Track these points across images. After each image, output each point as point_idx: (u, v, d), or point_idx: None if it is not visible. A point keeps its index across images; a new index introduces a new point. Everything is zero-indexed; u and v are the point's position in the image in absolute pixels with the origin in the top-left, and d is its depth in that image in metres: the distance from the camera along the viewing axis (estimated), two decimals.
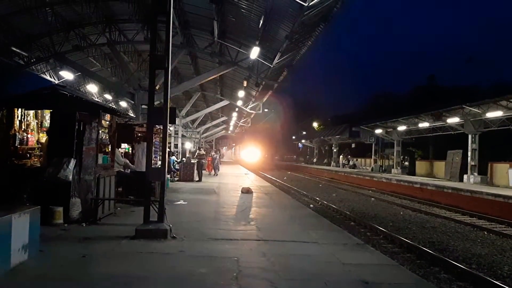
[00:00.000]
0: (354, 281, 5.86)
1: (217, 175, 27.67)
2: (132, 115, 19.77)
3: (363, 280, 5.87)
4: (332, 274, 6.17)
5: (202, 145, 48.63)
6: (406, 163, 38.39)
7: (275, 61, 18.54)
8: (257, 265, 6.48)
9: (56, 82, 24.13)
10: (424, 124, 31.14)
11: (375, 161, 42.81)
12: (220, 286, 5.47)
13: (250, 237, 8.65)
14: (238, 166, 49.74)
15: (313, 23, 14.86)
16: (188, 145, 42.92)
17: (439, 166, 32.77)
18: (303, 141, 74.32)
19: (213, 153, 33.10)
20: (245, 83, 23.68)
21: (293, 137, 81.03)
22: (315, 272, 6.21)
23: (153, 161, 9.94)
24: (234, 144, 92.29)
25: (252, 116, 40.83)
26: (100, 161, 10.14)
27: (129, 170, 13.08)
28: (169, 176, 18.70)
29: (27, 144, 10.92)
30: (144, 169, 12.19)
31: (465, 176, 26.69)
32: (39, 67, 23.10)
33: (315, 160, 65.94)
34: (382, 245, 12.27)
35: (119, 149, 13.43)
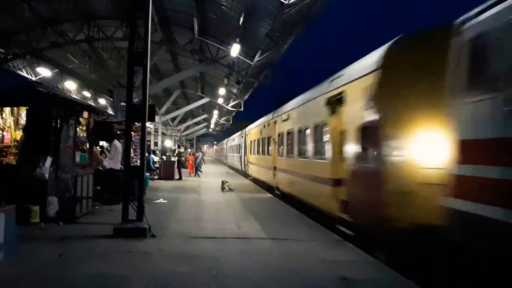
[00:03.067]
0: (333, 277, 5.91)
1: (199, 176, 26.65)
2: (111, 112, 19.57)
3: (342, 276, 5.92)
4: (311, 270, 6.20)
5: (182, 143, 48.30)
6: None
7: (256, 58, 18.56)
8: (237, 263, 6.48)
9: (33, 79, 23.71)
10: None
11: None
12: (199, 285, 5.43)
13: (230, 235, 8.64)
14: None
15: (294, 21, 14.92)
16: (169, 143, 42.50)
17: None
18: None
19: (194, 151, 31.78)
20: (225, 81, 23.63)
21: None
22: (294, 269, 6.24)
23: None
24: (215, 143, 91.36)
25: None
26: (77, 159, 9.99)
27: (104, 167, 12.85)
28: (148, 174, 18.49)
29: (2, 142, 10.70)
30: (117, 167, 12.20)
31: None
32: (15, 63, 22.66)
33: None
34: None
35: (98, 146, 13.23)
